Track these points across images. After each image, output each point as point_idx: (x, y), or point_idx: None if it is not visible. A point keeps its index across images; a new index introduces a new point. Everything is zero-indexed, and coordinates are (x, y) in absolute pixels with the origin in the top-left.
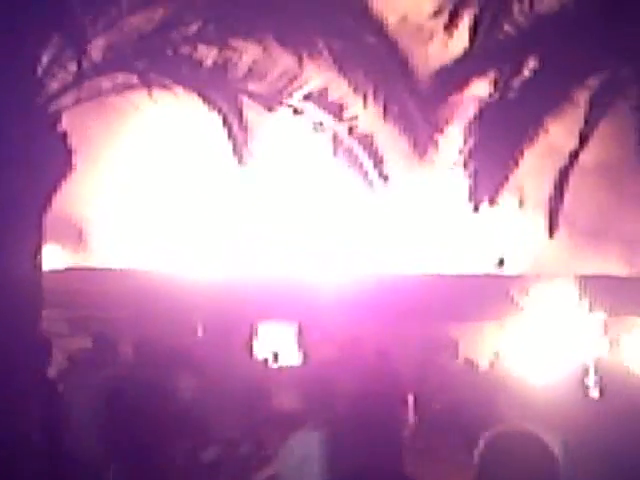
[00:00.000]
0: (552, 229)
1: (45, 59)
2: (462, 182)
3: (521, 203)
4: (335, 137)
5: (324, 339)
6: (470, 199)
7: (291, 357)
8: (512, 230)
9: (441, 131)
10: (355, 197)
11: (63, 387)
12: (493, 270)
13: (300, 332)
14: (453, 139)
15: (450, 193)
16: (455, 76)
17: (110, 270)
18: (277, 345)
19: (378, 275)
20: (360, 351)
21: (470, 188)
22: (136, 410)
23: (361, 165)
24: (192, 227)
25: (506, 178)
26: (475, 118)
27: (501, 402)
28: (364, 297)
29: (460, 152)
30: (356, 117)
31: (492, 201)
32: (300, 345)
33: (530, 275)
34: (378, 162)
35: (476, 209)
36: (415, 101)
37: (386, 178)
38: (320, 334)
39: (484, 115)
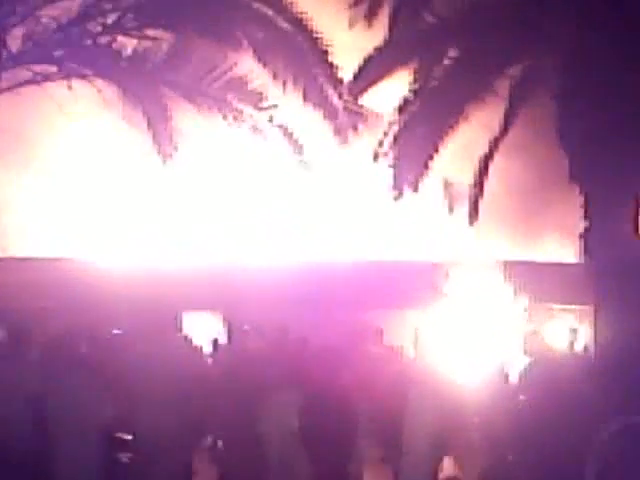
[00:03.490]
0: (472, 216)
1: None
2: (384, 170)
3: (443, 190)
4: (255, 126)
5: (249, 328)
6: (392, 186)
7: (212, 348)
8: (435, 217)
9: (362, 119)
10: (277, 184)
11: None
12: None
13: (225, 322)
14: (375, 127)
15: (372, 180)
16: (376, 65)
17: (29, 259)
18: (202, 336)
19: (300, 262)
20: (285, 340)
21: (392, 176)
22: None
23: (282, 153)
24: (113, 216)
25: (427, 166)
26: (397, 107)
27: (423, 392)
28: (287, 285)
29: (382, 140)
30: (276, 106)
31: (414, 188)
32: (225, 335)
33: (453, 262)
34: (298, 149)
35: (398, 196)
36: (336, 89)
37: (307, 165)
38: (245, 323)
39: (406, 104)
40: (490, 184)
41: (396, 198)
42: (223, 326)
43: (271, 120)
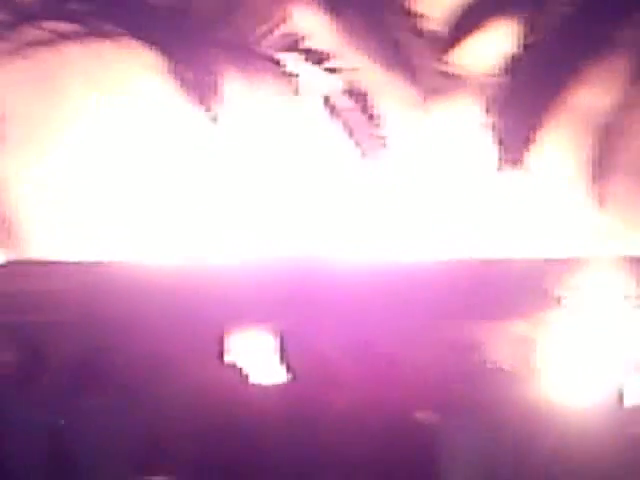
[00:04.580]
0: (601, 198)
1: None
2: (483, 144)
3: (558, 168)
4: (323, 94)
5: (315, 347)
6: (495, 165)
7: (271, 372)
8: (546, 202)
9: (453, 83)
10: (350, 166)
11: None
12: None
13: (283, 339)
14: (470, 92)
15: (467, 158)
16: (470, 14)
17: (56, 263)
18: (252, 357)
19: (380, 263)
20: (363, 360)
21: (494, 151)
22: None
23: (355, 127)
24: (151, 209)
25: (534, 139)
26: (497, 65)
27: (539, 425)
28: (364, 292)
29: (482, 108)
30: (348, 69)
31: (520, 166)
32: (282, 356)
33: (572, 259)
34: (375, 123)
35: (501, 176)
36: (422, 45)
37: (385, 142)
38: (310, 340)
39: (508, 61)
40: (616, 160)
41: (498, 179)
42: (280, 345)
43: (342, 86)
